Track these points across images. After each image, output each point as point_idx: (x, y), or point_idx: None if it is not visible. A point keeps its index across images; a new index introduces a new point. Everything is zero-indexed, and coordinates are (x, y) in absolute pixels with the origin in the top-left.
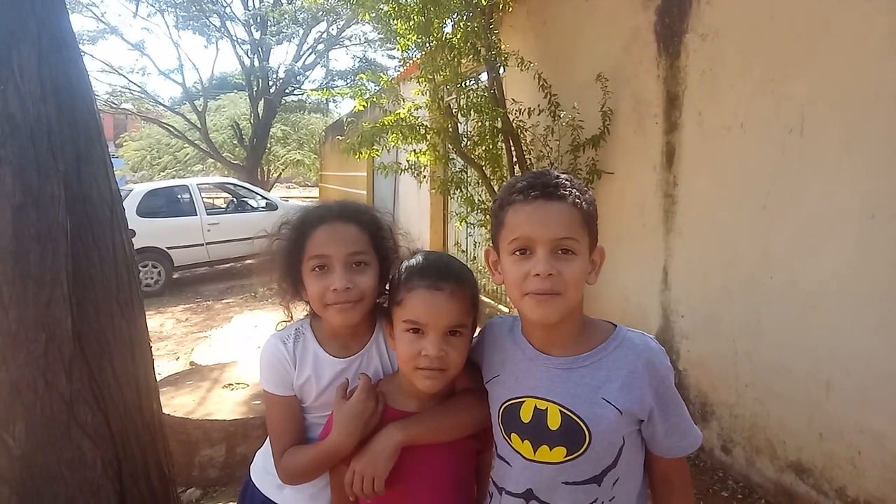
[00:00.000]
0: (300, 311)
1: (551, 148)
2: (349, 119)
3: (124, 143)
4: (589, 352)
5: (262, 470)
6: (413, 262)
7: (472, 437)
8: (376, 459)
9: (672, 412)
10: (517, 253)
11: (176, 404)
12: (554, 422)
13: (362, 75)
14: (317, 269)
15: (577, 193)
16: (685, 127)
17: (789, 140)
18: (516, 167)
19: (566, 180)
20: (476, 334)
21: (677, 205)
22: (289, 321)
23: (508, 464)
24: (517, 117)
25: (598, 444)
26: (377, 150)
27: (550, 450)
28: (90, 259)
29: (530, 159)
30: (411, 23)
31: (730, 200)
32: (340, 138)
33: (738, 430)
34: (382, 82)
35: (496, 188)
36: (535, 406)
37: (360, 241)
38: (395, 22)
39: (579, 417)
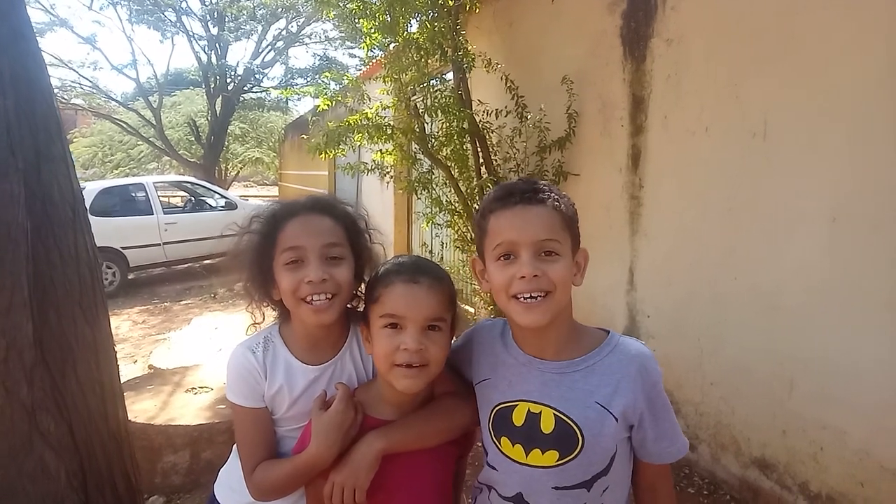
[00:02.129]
0: (269, 316)
1: (518, 149)
2: (313, 118)
3: (74, 140)
4: (582, 356)
5: (228, 488)
6: (389, 262)
7: (453, 442)
8: (357, 469)
9: (662, 417)
10: (502, 258)
11: (137, 409)
12: (547, 425)
13: (326, 74)
14: (290, 262)
15: (556, 197)
16: (650, 130)
17: (753, 144)
18: (483, 168)
19: (544, 186)
20: (459, 336)
21: (643, 207)
22: (259, 324)
23: (495, 469)
24: (484, 118)
25: (591, 448)
26: (343, 150)
27: (543, 454)
28: (51, 262)
29: (497, 161)
30: (377, 21)
31: (694, 203)
32: (304, 137)
33: (703, 427)
34: (347, 81)
35: (463, 189)
36: (529, 410)
37: (335, 233)
38: (361, 20)
39: (573, 421)
